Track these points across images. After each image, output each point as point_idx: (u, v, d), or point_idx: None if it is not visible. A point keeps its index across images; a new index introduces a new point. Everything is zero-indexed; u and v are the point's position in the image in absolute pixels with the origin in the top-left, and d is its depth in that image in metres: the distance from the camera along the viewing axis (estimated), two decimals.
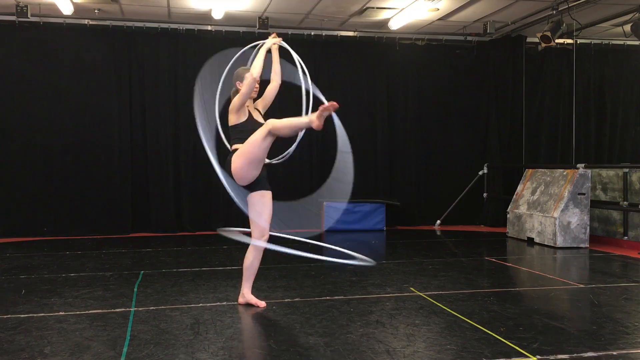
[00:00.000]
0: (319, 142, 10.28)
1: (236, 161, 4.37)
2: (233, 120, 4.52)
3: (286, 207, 4.44)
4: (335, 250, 5.04)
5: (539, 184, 8.75)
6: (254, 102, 4.74)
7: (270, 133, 4.25)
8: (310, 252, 4.38)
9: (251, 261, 4.61)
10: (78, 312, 4.49)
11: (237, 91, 4.68)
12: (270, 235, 4.63)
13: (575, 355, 3.48)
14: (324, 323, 4.18)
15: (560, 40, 10.18)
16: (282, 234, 5.01)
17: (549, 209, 8.16)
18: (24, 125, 9.28)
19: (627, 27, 9.18)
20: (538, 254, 7.66)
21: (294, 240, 5.26)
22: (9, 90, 9.25)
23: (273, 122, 4.27)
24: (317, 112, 4.08)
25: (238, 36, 9.91)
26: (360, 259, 4.47)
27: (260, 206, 4.50)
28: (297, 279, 5.77)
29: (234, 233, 4.74)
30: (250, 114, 4.55)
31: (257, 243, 4.52)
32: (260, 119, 4.64)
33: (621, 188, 8.27)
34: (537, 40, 9.44)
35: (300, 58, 4.61)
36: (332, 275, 5.96)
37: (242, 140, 4.43)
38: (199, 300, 4.85)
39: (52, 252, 7.65)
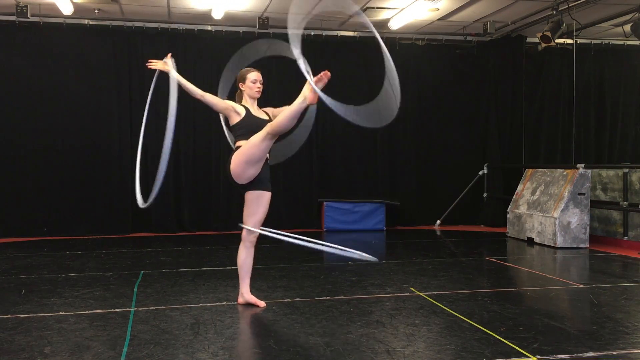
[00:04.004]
0: (319, 141, 10.29)
1: (235, 160, 4.39)
2: (232, 119, 4.54)
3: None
4: (335, 247, 5.02)
5: (539, 184, 8.75)
6: (259, 106, 4.74)
7: (269, 135, 4.26)
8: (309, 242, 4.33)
9: (244, 259, 4.62)
10: (78, 312, 4.49)
11: (240, 92, 4.70)
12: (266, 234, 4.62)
13: (575, 355, 3.48)
14: (324, 323, 4.18)
15: (560, 40, 10.18)
16: (279, 232, 5.01)
17: (549, 209, 8.16)
18: (24, 125, 9.27)
19: (627, 27, 9.18)
20: (538, 254, 7.65)
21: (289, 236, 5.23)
22: (9, 90, 9.25)
23: (271, 124, 4.28)
24: (310, 85, 4.04)
25: (238, 36, 9.91)
26: (361, 255, 4.40)
27: (255, 206, 4.49)
28: (297, 279, 5.77)
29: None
30: (248, 110, 4.55)
31: (246, 242, 4.54)
32: (262, 115, 4.63)
33: (621, 188, 8.27)
34: (537, 40, 9.44)
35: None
36: (332, 275, 5.97)
37: (244, 137, 4.44)
38: (199, 300, 4.85)
39: (52, 252, 7.65)
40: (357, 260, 4.43)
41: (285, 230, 5.25)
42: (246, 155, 4.33)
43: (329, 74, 4.04)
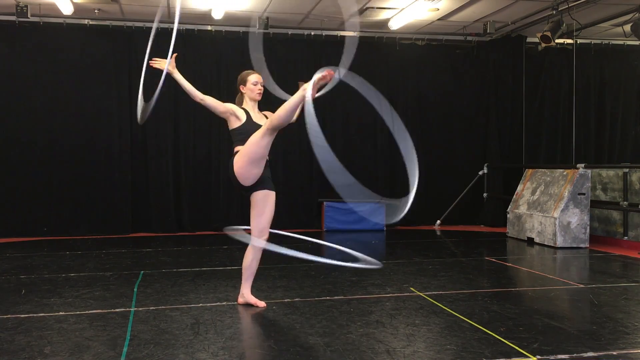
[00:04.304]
0: None
1: (238, 162, 4.38)
2: (232, 123, 4.53)
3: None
4: (337, 250, 5.04)
5: (539, 184, 8.75)
6: (259, 109, 4.73)
7: (269, 131, 4.25)
8: (310, 254, 4.34)
9: (250, 261, 4.62)
10: (78, 312, 4.49)
11: (241, 95, 4.69)
12: (270, 234, 4.63)
13: (575, 355, 3.48)
14: (324, 323, 4.18)
15: (560, 40, 10.18)
16: (282, 232, 5.03)
17: (549, 209, 8.16)
18: (23, 125, 9.28)
19: (627, 27, 9.18)
20: (538, 254, 7.66)
21: (295, 238, 5.26)
22: (9, 90, 9.25)
23: (270, 118, 4.28)
24: (312, 81, 3.99)
25: (238, 36, 9.91)
26: (365, 261, 4.44)
27: (262, 206, 4.50)
28: (297, 279, 5.77)
29: (239, 232, 4.74)
30: (249, 116, 4.54)
31: (257, 243, 4.53)
32: (262, 120, 4.62)
33: (621, 188, 8.27)
34: (537, 40, 9.44)
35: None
36: (332, 275, 5.96)
37: (242, 142, 4.43)
38: (199, 300, 4.85)
39: (52, 252, 7.65)
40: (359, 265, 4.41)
41: (286, 230, 5.26)
42: (249, 155, 4.32)
43: (333, 73, 4.03)
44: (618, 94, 11.22)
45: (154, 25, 4.62)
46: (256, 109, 4.66)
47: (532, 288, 5.57)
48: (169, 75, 4.46)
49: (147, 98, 4.40)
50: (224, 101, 4.61)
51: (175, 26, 4.07)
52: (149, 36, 4.77)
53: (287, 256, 6.70)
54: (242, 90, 4.67)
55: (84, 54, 9.50)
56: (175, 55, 4.52)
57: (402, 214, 4.15)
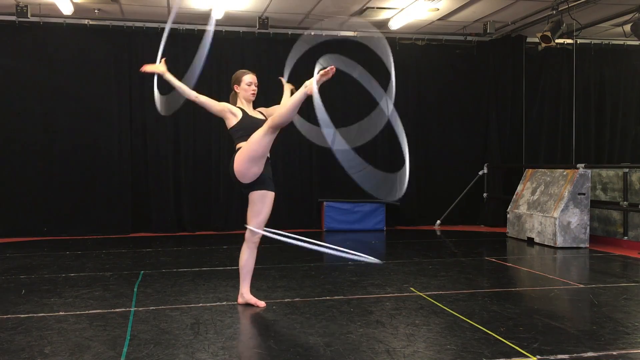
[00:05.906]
0: None
1: (238, 159, 4.39)
2: (230, 122, 4.54)
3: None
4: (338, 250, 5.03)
5: (539, 184, 8.75)
6: (254, 107, 4.74)
7: (270, 129, 4.26)
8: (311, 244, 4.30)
9: (246, 259, 4.63)
10: (78, 312, 4.49)
11: (235, 94, 4.69)
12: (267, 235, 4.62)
13: (575, 355, 3.48)
14: (324, 323, 4.18)
15: (560, 40, 10.18)
16: (282, 234, 5.02)
17: (549, 209, 8.16)
18: (24, 125, 9.28)
19: (627, 27, 9.18)
20: (538, 254, 7.66)
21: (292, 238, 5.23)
22: (9, 90, 9.25)
23: (272, 117, 4.29)
24: (315, 77, 4.00)
25: (238, 36, 9.91)
26: (363, 257, 4.42)
27: (260, 205, 4.50)
28: (297, 279, 5.77)
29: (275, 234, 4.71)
30: (244, 112, 4.55)
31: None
32: (258, 115, 4.64)
33: (621, 188, 8.27)
34: (537, 40, 9.44)
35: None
36: (332, 275, 5.97)
37: (244, 138, 4.44)
38: (199, 300, 4.85)
39: (52, 252, 7.65)
40: (357, 261, 4.41)
41: (286, 230, 5.25)
42: (249, 153, 4.33)
43: (334, 69, 4.04)
44: (618, 94, 11.22)
45: (165, 32, 4.63)
46: (250, 108, 4.67)
47: (532, 288, 5.57)
48: (161, 77, 4.49)
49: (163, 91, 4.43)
50: (220, 102, 4.63)
51: (166, 32, 4.08)
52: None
53: (287, 256, 6.69)
54: (236, 90, 4.68)
55: (84, 54, 9.50)
56: (163, 59, 4.51)
57: (403, 189, 4.20)
